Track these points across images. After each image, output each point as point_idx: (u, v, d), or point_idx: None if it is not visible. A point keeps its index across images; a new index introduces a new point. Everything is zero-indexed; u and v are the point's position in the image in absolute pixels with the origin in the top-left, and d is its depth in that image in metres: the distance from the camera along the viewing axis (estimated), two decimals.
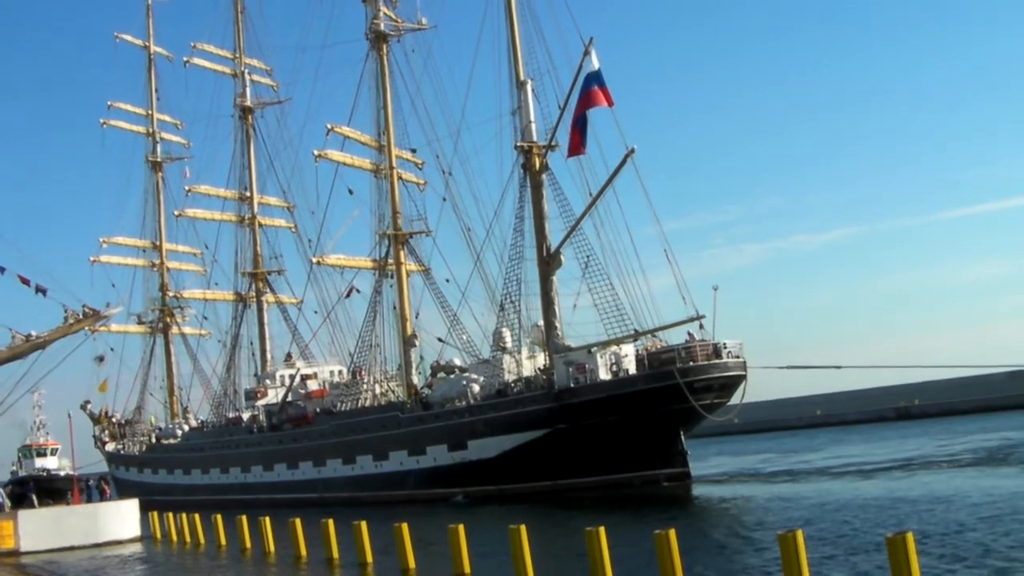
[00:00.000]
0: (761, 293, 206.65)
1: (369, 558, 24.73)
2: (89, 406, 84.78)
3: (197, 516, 36.87)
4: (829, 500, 31.65)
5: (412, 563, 22.97)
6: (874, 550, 20.47)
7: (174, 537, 38.29)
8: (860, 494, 32.65)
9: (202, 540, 35.62)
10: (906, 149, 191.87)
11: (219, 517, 34.72)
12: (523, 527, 19.15)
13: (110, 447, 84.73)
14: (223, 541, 33.68)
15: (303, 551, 27.68)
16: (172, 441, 76.83)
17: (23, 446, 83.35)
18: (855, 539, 22.93)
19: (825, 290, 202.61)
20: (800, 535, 15.10)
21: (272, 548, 29.79)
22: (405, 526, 23.30)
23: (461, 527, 21.18)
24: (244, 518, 32.52)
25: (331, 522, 26.90)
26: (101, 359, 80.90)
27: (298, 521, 28.29)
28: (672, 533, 16.48)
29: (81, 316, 38.55)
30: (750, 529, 26.62)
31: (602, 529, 17.79)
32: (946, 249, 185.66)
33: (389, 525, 24.27)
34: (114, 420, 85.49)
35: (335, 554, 26.29)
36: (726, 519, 30.67)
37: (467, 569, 20.93)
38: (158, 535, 40.46)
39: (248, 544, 31.49)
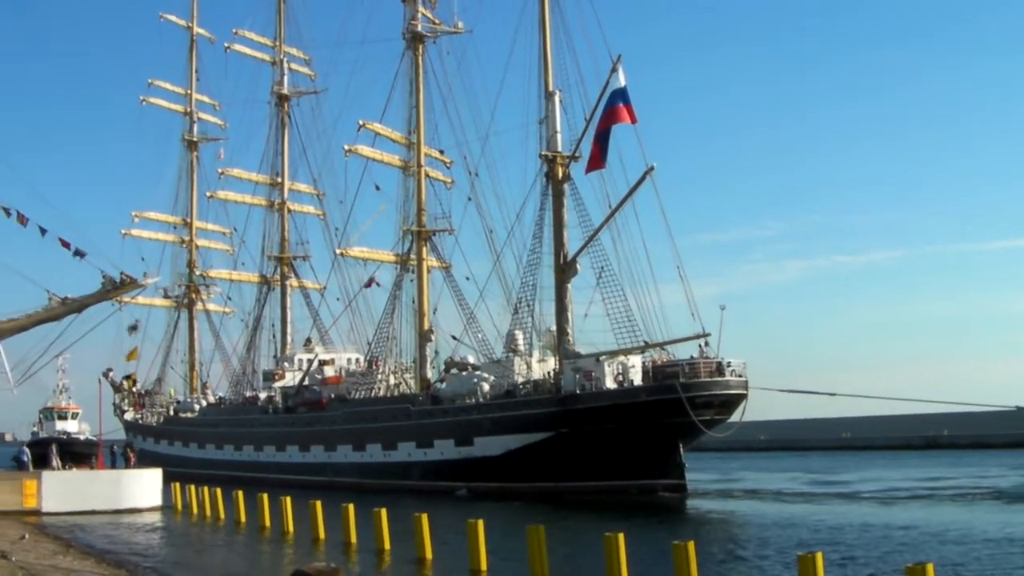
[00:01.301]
0: (797, 310, 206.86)
1: (387, 544, 25.68)
2: (111, 374, 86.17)
3: (219, 491, 37.83)
4: (846, 523, 31.25)
5: (429, 553, 23.72)
6: None
7: (195, 510, 39.14)
8: (880, 520, 32.35)
9: (222, 515, 36.41)
10: (953, 176, 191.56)
11: (240, 493, 35.74)
12: (541, 528, 19.91)
13: (128, 416, 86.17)
14: (243, 517, 34.63)
15: (322, 533, 28.62)
16: (189, 415, 78.35)
17: (44, 408, 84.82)
18: (872, 566, 22.71)
19: (863, 311, 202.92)
20: (820, 557, 15.16)
21: (291, 528, 30.54)
22: (425, 516, 24.08)
23: (480, 523, 21.81)
24: (265, 496, 33.51)
25: (351, 507, 27.90)
26: (134, 328, 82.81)
27: (318, 503, 29.38)
28: (691, 545, 16.78)
29: (119, 283, 38.03)
30: (762, 547, 26.44)
31: (621, 536, 18.29)
32: (991, 279, 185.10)
33: (399, 513, 25.20)
34: (135, 390, 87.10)
35: (353, 538, 27.13)
36: (736, 534, 30.27)
37: (483, 566, 21.57)
38: (179, 506, 41.59)
39: (267, 522, 32.51)
